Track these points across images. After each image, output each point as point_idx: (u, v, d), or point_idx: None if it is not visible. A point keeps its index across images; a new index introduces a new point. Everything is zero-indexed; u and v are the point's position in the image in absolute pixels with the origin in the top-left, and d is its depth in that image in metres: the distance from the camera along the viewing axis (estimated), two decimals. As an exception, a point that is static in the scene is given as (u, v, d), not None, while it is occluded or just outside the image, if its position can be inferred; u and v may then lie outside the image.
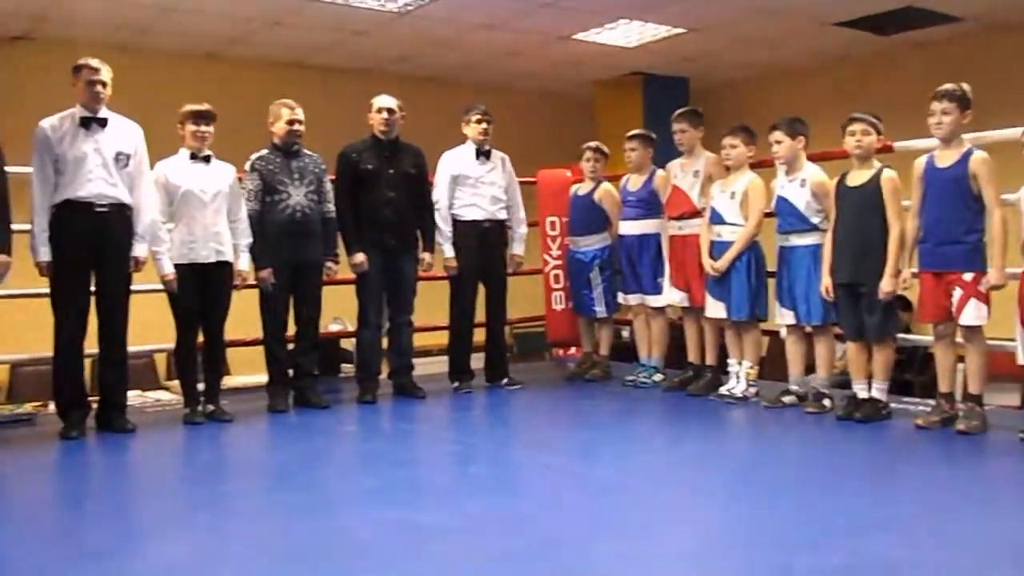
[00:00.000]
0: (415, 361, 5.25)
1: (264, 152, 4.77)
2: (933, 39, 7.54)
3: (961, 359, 4.04)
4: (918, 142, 4.32)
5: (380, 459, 3.89)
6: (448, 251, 5.18)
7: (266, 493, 3.40)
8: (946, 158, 3.90)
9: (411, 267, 5.07)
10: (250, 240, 4.60)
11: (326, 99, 6.96)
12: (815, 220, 4.40)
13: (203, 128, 4.47)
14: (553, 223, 5.98)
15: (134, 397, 4.95)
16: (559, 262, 5.94)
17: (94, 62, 4.17)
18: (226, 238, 4.48)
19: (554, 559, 2.50)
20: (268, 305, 4.74)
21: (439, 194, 5.19)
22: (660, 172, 5.26)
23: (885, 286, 4.04)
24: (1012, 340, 3.80)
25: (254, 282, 4.69)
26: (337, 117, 5.79)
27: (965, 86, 3.89)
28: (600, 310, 5.57)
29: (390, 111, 4.99)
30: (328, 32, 7.22)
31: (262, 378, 4.98)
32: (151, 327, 4.71)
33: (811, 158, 4.56)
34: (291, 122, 4.75)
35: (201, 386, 4.57)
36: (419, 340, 5.40)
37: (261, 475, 3.75)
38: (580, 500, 3.15)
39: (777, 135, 4.47)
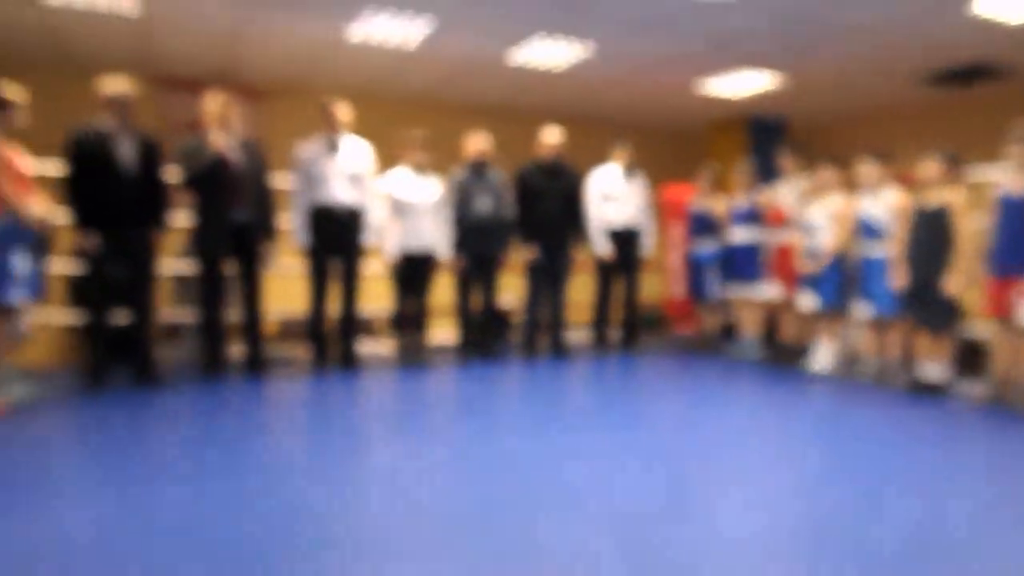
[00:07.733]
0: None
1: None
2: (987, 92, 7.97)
3: None
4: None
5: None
6: (601, 247, 6.52)
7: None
8: None
9: (564, 260, 6.48)
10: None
11: (510, 136, 7.74)
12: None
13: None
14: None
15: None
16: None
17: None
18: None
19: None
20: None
21: (591, 204, 6.51)
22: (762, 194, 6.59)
23: None
24: None
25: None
26: (511, 149, 7.18)
27: None
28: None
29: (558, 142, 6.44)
30: (505, 88, 8.22)
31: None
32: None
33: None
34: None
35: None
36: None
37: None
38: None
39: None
